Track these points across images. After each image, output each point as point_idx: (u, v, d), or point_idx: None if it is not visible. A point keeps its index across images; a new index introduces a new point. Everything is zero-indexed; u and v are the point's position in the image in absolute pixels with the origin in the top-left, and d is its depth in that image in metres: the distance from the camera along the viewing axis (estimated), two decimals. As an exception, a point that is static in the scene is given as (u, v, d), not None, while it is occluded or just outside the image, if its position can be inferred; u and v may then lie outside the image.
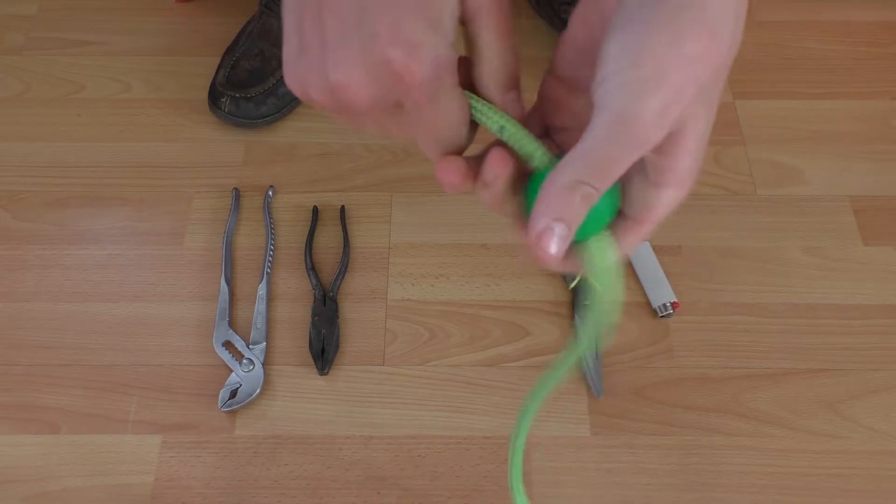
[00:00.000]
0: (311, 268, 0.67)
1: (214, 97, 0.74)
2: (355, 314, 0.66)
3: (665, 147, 0.27)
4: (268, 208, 0.70)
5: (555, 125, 0.33)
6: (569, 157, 0.27)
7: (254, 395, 0.61)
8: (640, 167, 0.28)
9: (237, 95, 0.73)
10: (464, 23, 0.29)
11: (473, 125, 0.30)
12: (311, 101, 0.29)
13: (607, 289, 0.29)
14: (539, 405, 0.37)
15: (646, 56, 0.25)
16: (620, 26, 0.26)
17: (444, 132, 0.29)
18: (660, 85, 0.25)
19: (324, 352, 0.62)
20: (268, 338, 0.64)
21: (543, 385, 0.36)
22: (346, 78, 0.27)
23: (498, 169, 0.29)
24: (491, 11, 0.28)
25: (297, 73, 0.29)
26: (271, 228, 0.69)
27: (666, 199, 0.29)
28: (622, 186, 0.29)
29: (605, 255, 0.29)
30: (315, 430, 0.60)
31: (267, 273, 0.66)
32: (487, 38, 0.29)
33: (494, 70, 0.30)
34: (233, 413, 0.61)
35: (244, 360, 0.62)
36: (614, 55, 0.26)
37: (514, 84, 0.30)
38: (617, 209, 0.29)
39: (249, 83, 0.74)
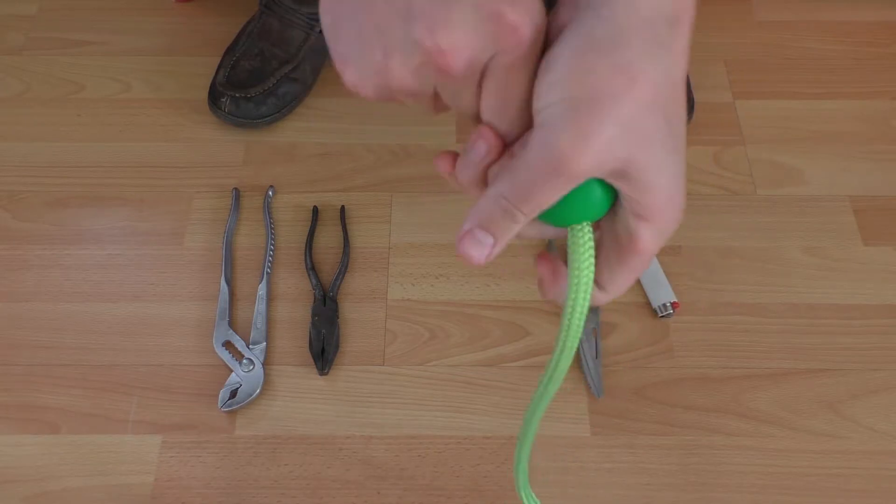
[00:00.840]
0: (311, 268, 0.67)
1: (214, 97, 0.74)
2: (355, 314, 0.66)
3: (632, 181, 0.27)
4: (268, 208, 0.70)
5: None
6: (503, 171, 0.28)
7: (254, 395, 0.61)
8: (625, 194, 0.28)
9: (237, 95, 0.73)
10: None
11: None
12: (387, 91, 0.28)
13: (579, 282, 0.30)
14: (542, 411, 0.37)
15: (582, 90, 0.26)
16: (561, 52, 0.27)
17: (516, 100, 0.28)
18: (592, 126, 0.26)
19: (324, 352, 0.62)
20: (268, 338, 0.64)
21: (542, 395, 0.36)
22: (449, 40, 0.26)
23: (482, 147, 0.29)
24: None
25: (370, 61, 0.27)
26: (271, 228, 0.69)
27: (645, 232, 0.29)
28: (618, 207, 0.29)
29: (579, 243, 0.29)
30: (315, 430, 0.60)
31: (267, 273, 0.66)
32: None
33: None
34: (233, 413, 0.61)
35: (244, 360, 0.62)
36: (557, 80, 0.26)
37: None
38: (605, 207, 0.29)
39: (249, 83, 0.74)
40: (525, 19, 0.26)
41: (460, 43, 0.26)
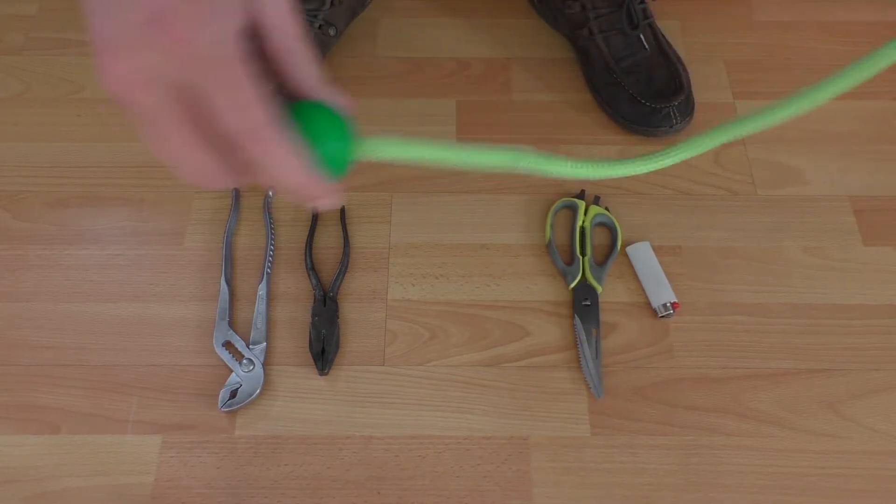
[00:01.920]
0: (311, 268, 0.67)
1: None
2: (355, 314, 0.66)
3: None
4: (268, 208, 0.70)
5: None
6: None
7: (254, 396, 0.61)
8: None
9: None
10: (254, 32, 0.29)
11: None
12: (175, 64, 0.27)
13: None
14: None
15: None
16: None
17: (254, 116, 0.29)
18: None
19: (324, 352, 0.62)
20: (268, 338, 0.64)
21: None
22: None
23: None
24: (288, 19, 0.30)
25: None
26: (271, 228, 0.69)
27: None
28: None
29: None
30: (315, 430, 0.60)
31: (267, 273, 0.66)
32: (293, 43, 0.31)
33: (314, 70, 0.32)
34: (233, 413, 0.61)
35: (244, 360, 0.62)
36: None
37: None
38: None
39: None
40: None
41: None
